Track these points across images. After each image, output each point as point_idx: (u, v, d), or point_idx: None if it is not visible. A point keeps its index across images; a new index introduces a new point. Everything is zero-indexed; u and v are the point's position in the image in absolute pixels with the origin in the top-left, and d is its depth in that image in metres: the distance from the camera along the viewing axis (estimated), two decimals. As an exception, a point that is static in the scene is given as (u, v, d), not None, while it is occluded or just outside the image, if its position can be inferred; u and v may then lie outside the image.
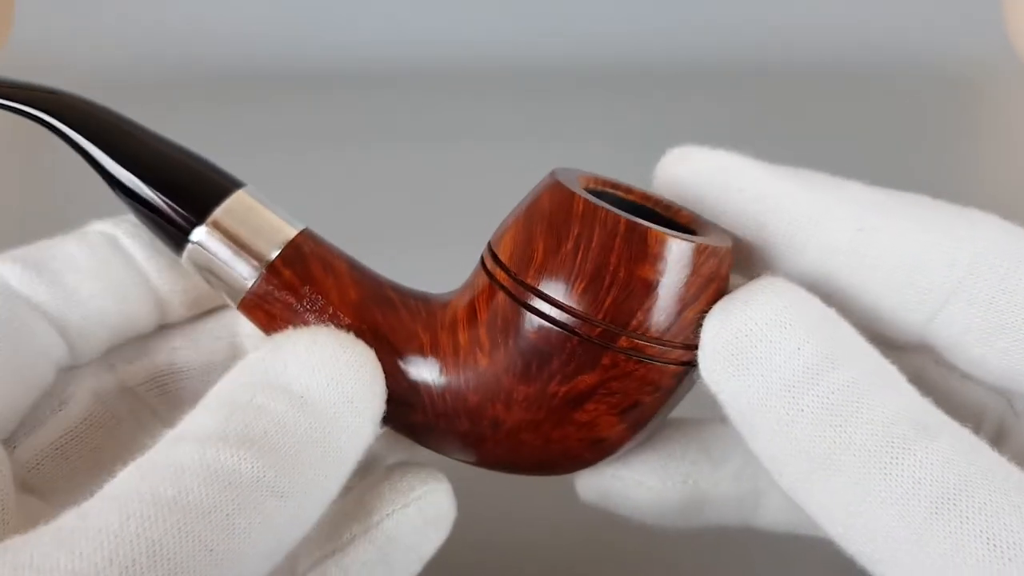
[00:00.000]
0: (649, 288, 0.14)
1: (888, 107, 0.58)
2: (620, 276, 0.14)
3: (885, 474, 0.13)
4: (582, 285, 0.14)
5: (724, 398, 0.15)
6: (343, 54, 0.65)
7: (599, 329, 0.14)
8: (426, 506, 0.16)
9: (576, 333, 0.14)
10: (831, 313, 0.15)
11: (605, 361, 0.14)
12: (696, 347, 0.14)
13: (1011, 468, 0.13)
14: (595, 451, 0.15)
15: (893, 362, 0.18)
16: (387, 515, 0.16)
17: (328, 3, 0.66)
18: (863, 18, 0.66)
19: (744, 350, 0.14)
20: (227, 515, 0.12)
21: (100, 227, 0.19)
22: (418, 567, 0.17)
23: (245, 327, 0.19)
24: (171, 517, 0.11)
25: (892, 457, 0.13)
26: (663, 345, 0.14)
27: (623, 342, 0.14)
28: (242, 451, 0.12)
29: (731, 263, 0.15)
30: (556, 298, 0.14)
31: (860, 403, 0.13)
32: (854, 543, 0.13)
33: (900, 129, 0.55)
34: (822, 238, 0.16)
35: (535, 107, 0.58)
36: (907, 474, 0.13)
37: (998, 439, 0.17)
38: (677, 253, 0.14)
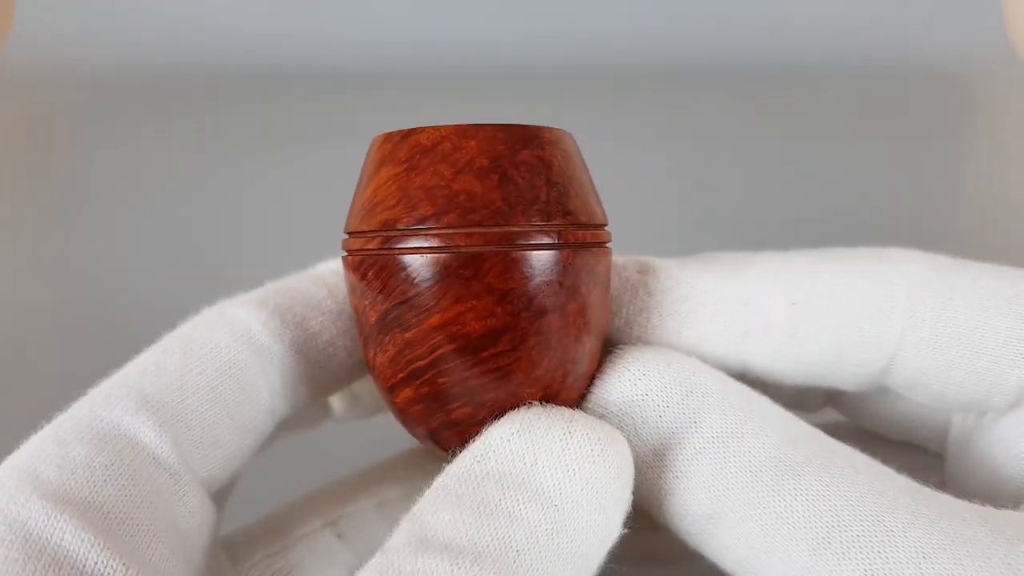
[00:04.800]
0: (356, 189, 0.15)
1: (888, 107, 0.58)
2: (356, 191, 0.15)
3: (762, 524, 0.13)
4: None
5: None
6: (343, 54, 0.65)
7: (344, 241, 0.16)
8: None
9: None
10: (689, 365, 0.15)
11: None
12: (374, 232, 0.14)
13: (887, 485, 0.13)
14: (397, 379, 0.15)
15: (860, 392, 0.18)
16: None
17: (329, 3, 0.66)
18: (862, 18, 0.66)
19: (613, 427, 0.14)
20: None
21: (333, 267, 0.18)
22: None
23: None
24: None
25: (764, 507, 0.13)
26: (351, 235, 0.15)
27: (342, 245, 0.15)
28: None
29: (437, 142, 0.14)
30: None
31: (726, 456, 0.14)
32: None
33: (899, 129, 0.55)
34: (759, 321, 0.16)
35: (535, 107, 0.58)
36: (781, 521, 0.13)
37: (966, 443, 0.17)
38: (371, 146, 0.15)
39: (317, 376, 0.16)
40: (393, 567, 0.11)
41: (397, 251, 0.14)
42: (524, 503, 0.12)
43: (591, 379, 0.15)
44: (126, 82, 0.62)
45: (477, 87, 0.60)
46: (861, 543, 0.12)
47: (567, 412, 0.14)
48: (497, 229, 0.13)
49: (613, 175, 0.49)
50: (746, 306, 0.16)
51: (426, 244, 0.14)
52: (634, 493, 0.14)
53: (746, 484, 0.13)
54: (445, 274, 0.14)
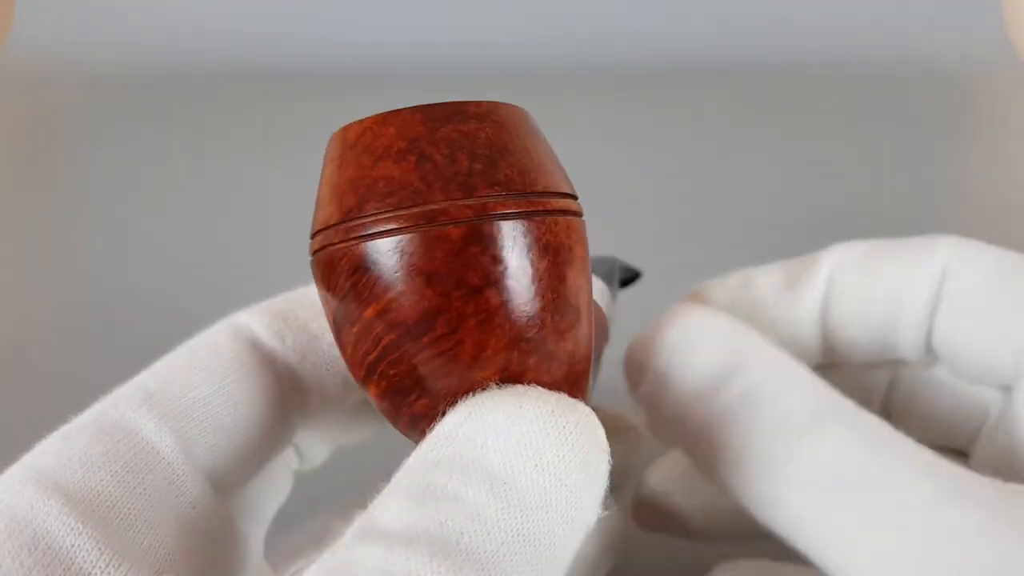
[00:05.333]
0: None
1: (888, 107, 0.58)
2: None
3: (786, 462, 0.14)
4: None
5: (656, 412, 0.16)
6: (343, 54, 0.65)
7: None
8: (604, 527, 0.16)
9: None
10: (739, 326, 0.16)
11: None
12: (327, 228, 0.14)
13: (906, 445, 0.14)
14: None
15: (903, 377, 0.20)
16: None
17: (329, 3, 0.67)
18: (863, 18, 0.66)
19: (662, 368, 0.16)
20: None
21: None
22: None
23: None
24: None
25: (790, 447, 0.14)
26: (311, 238, 0.15)
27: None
28: (435, 562, 0.10)
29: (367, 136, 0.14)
30: None
31: (762, 402, 0.15)
32: (777, 528, 0.15)
33: (899, 129, 0.55)
34: (833, 289, 0.19)
35: (534, 107, 0.58)
36: (805, 460, 0.14)
37: (999, 420, 0.18)
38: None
39: (325, 378, 0.17)
40: (333, 560, 0.11)
41: (332, 247, 0.14)
42: (469, 485, 0.11)
43: (579, 360, 0.14)
44: (126, 82, 0.62)
45: (477, 87, 0.60)
46: (876, 487, 0.13)
47: (520, 388, 0.13)
48: (415, 209, 0.13)
49: (613, 175, 0.49)
50: (819, 281, 0.18)
51: (353, 235, 0.13)
52: (678, 442, 0.16)
53: (777, 426, 0.15)
54: (372, 262, 0.13)
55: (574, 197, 0.15)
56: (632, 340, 0.17)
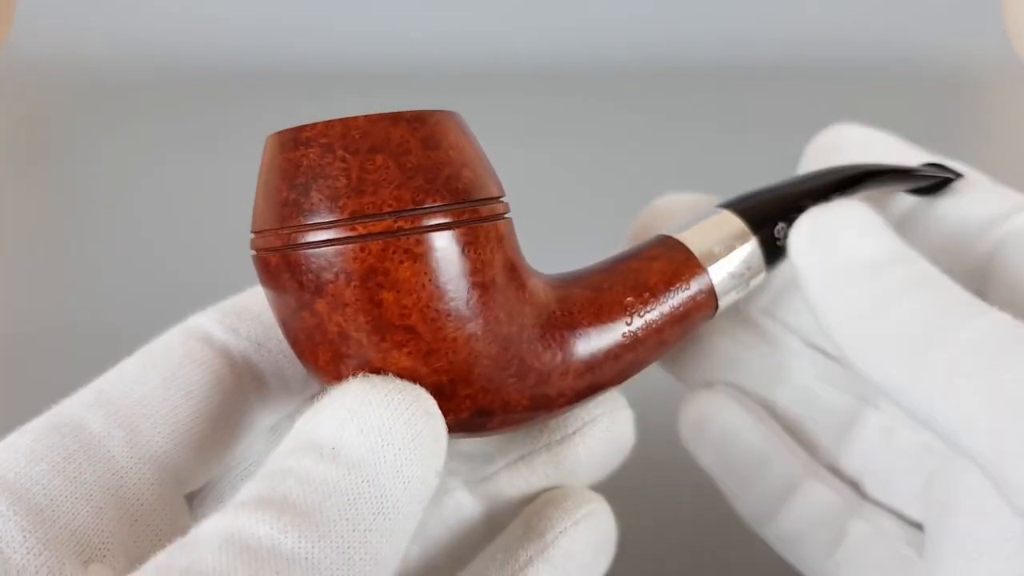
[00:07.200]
0: None
1: (888, 107, 0.58)
2: None
3: (964, 324, 0.15)
4: None
5: (809, 274, 0.17)
6: (343, 53, 0.65)
7: None
8: (594, 523, 0.17)
9: None
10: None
11: None
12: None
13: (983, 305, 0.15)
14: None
15: None
16: (560, 533, 0.16)
17: (329, 3, 0.67)
18: (863, 18, 0.66)
19: (835, 234, 0.17)
20: None
21: None
22: None
23: None
24: None
25: (970, 315, 0.15)
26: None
27: None
28: (259, 512, 0.12)
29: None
30: None
31: (937, 283, 0.16)
32: (924, 404, 0.15)
33: (900, 129, 0.55)
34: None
35: (535, 107, 0.58)
36: (984, 322, 0.15)
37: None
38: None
39: (283, 365, 0.17)
40: (185, 537, 0.12)
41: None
42: (303, 458, 0.13)
43: (430, 372, 0.14)
44: (125, 82, 0.62)
45: (478, 87, 0.60)
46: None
47: (352, 380, 0.14)
48: (259, 239, 0.15)
49: (613, 175, 0.49)
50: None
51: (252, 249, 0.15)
52: (822, 298, 0.17)
53: (954, 302, 0.15)
54: (257, 272, 0.15)
55: (416, 210, 0.14)
56: (798, 220, 0.18)
